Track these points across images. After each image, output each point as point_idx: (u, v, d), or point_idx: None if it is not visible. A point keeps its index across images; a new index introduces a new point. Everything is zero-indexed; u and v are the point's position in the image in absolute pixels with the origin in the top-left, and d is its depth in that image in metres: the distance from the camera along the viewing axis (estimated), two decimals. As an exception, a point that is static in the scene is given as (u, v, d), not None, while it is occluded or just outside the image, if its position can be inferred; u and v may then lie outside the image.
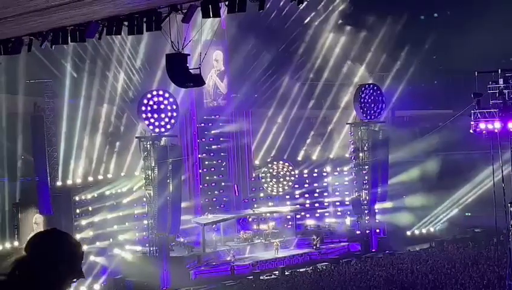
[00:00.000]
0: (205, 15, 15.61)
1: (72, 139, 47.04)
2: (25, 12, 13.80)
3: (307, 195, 57.71)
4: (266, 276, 46.19)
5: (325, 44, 57.82)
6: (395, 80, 57.88)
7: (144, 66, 49.69)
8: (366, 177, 54.43)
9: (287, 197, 57.08)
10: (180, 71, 18.32)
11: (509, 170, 38.08)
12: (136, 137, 47.48)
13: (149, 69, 48.99)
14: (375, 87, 54.82)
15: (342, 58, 57.27)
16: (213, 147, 54.85)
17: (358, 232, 54.35)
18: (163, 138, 46.74)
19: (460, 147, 55.27)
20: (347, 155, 57.07)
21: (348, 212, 56.73)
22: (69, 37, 17.72)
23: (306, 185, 57.86)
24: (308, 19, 57.01)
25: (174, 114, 46.70)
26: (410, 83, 58.42)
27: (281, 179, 56.53)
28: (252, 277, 45.80)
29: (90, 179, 47.95)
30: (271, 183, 56.48)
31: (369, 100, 54.20)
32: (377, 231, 54.66)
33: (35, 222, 44.69)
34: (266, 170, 56.46)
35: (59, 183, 46.18)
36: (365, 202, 54.28)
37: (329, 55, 57.59)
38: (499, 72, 35.09)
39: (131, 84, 49.87)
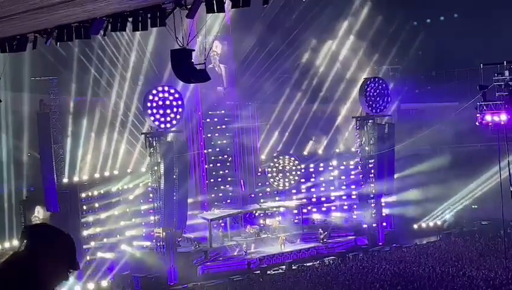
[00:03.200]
0: (209, 10, 15.61)
1: (78, 136, 47.08)
2: (29, 10, 13.82)
3: (313, 189, 57.60)
4: (273, 270, 46.23)
5: (335, 37, 57.78)
6: (400, 74, 57.77)
7: (150, 62, 49.56)
8: (372, 171, 54.35)
9: (293, 191, 57.05)
10: (185, 67, 18.32)
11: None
12: (142, 133, 47.56)
13: (156, 64, 48.90)
14: (381, 81, 54.70)
15: (351, 53, 57.15)
16: (219, 142, 54.90)
17: (365, 226, 54.32)
18: (169, 134, 46.78)
19: (467, 140, 55.16)
20: (353, 149, 56.96)
21: (355, 206, 56.65)
22: (74, 34, 17.73)
23: (312, 180, 57.78)
24: None
25: (180, 110, 46.72)
26: (415, 77, 58.31)
27: (287, 174, 56.53)
28: (259, 272, 45.83)
29: (97, 175, 47.99)
30: (277, 178, 56.48)
31: (375, 94, 54.09)
32: (384, 224, 54.61)
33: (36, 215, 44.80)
34: (272, 164, 56.44)
35: (65, 180, 46.25)
36: (372, 195, 54.22)
37: (337, 50, 57.56)
38: (505, 64, 35.03)
39: (138, 80, 49.80)
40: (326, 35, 57.87)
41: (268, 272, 45.79)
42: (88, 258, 45.08)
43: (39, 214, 44.91)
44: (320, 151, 58.64)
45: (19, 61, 40.56)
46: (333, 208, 57.62)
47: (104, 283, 43.18)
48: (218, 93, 54.73)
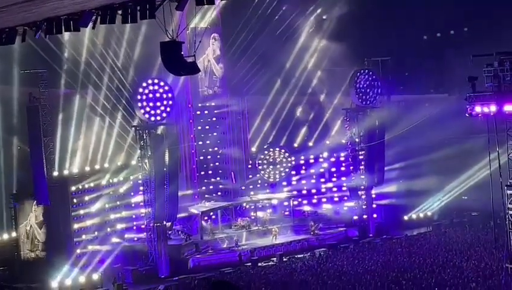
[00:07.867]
0: (199, 2, 15.58)
1: (68, 129, 46.89)
2: (18, 3, 13.77)
3: (303, 181, 57.63)
4: (264, 263, 46.26)
5: (322, 30, 57.73)
6: (390, 65, 57.70)
7: (141, 54, 49.30)
8: (362, 163, 54.43)
9: (284, 183, 57.07)
10: (174, 59, 18.26)
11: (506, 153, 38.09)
12: (133, 126, 47.45)
13: (146, 57, 48.69)
14: (371, 72, 54.67)
15: (341, 44, 57.06)
16: (209, 134, 54.87)
17: (355, 217, 54.41)
18: (160, 127, 46.70)
19: (457, 131, 55.21)
20: (343, 141, 56.92)
21: (345, 198, 56.70)
22: (63, 27, 17.66)
23: (303, 172, 57.82)
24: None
25: (170, 102, 46.65)
26: (405, 68, 58.35)
27: (278, 166, 56.54)
28: (250, 264, 45.87)
29: (87, 168, 47.83)
30: (268, 170, 56.48)
31: (365, 85, 54.12)
32: (374, 216, 54.73)
33: (34, 211, 44.76)
34: (263, 156, 56.45)
35: (56, 173, 46.10)
36: (362, 187, 54.33)
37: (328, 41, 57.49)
38: (494, 54, 35.08)
39: (128, 72, 49.55)
40: (315, 27, 57.84)
41: (260, 264, 45.82)
42: (79, 251, 45.01)
43: (36, 211, 44.77)
44: (310, 143, 58.58)
45: (8, 54, 40.43)
46: (324, 200, 57.68)
47: (95, 276, 43.11)
48: (208, 85, 54.58)
